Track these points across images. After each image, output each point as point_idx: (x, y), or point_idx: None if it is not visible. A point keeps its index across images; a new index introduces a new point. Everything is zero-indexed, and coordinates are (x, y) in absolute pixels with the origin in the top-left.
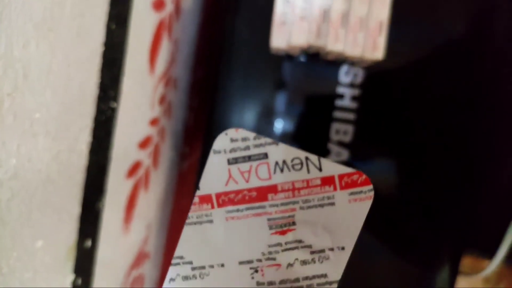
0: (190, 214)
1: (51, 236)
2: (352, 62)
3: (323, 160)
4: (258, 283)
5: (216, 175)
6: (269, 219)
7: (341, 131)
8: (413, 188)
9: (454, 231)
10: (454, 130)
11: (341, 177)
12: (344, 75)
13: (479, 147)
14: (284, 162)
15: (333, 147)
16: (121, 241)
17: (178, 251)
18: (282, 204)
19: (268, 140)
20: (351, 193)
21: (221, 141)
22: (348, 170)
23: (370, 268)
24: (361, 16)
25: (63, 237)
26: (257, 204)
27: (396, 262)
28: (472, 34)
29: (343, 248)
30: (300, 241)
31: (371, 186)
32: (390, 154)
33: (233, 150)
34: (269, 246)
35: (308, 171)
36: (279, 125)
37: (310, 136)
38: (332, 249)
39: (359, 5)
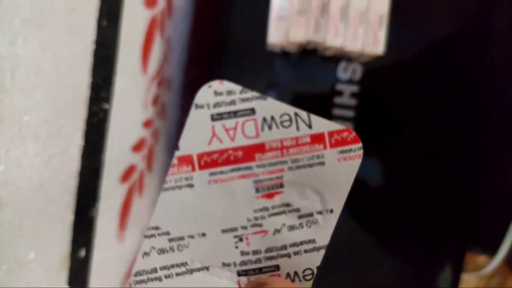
0: (167, 178)
1: (44, 246)
2: (350, 58)
3: (312, 116)
4: (242, 253)
5: (198, 133)
6: (255, 181)
7: None
8: (414, 186)
9: (457, 229)
10: (455, 127)
11: (331, 134)
12: (343, 71)
13: (481, 143)
14: (272, 118)
15: None
16: (116, 249)
17: (153, 221)
18: (270, 165)
19: (255, 94)
20: (341, 151)
21: (204, 95)
22: (338, 126)
23: (373, 267)
24: (361, 10)
25: (56, 247)
26: (243, 165)
27: (399, 261)
28: (473, 30)
29: (331, 211)
30: (287, 205)
31: (360, 145)
32: (391, 151)
33: (217, 104)
34: (255, 211)
35: (298, 128)
36: None
37: None
38: (320, 213)
39: None
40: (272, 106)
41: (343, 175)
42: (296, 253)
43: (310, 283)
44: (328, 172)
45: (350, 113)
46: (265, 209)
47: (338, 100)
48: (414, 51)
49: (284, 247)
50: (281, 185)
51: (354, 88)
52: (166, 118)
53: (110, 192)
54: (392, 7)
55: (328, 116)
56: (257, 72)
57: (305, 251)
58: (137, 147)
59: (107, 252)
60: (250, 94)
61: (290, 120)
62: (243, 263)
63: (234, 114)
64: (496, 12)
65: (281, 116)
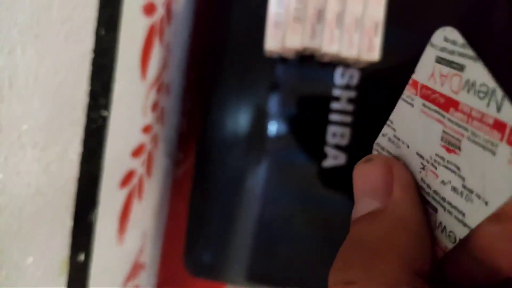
0: (405, 90)
1: (43, 251)
2: (347, 64)
3: (506, 101)
4: (421, 180)
5: (426, 67)
6: (443, 131)
7: (338, 134)
8: None
9: None
10: None
11: None
12: (340, 77)
13: None
14: (473, 83)
15: (330, 151)
16: (115, 253)
17: (392, 116)
18: (456, 124)
19: (471, 53)
20: None
21: (438, 36)
22: None
23: None
24: (356, 16)
25: (55, 252)
26: (441, 111)
27: None
28: (471, 35)
29: (486, 204)
30: (458, 168)
31: None
32: None
33: (442, 49)
34: (436, 155)
35: (488, 104)
36: (275, 129)
37: (306, 139)
38: (478, 196)
39: (354, 4)
40: (478, 72)
41: (506, 179)
42: (449, 212)
43: (450, 244)
44: (495, 167)
45: (347, 119)
46: (442, 158)
47: (335, 105)
48: (410, 56)
49: (443, 199)
50: (459, 148)
51: (352, 94)
52: (166, 123)
53: (110, 197)
54: (387, 13)
55: (326, 121)
56: (256, 77)
57: (455, 218)
58: (136, 152)
59: (106, 256)
60: (467, 51)
61: (486, 93)
62: (421, 187)
63: (450, 63)
64: (494, 16)
65: (481, 85)
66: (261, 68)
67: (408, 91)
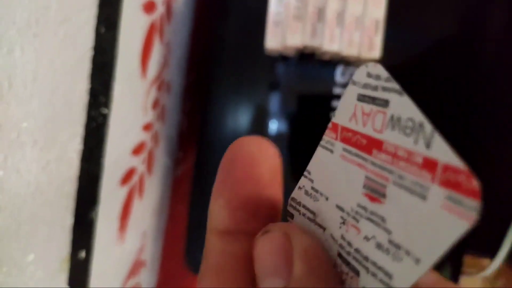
0: (324, 136)
1: (43, 249)
2: (348, 62)
3: (436, 136)
4: (341, 237)
5: (347, 107)
6: (366, 177)
7: None
8: None
9: None
10: (452, 130)
11: (445, 168)
12: (341, 75)
13: (479, 145)
14: (398, 119)
15: None
16: (116, 251)
17: (309, 166)
18: (380, 167)
19: (396, 87)
20: (448, 197)
21: (361, 73)
22: (458, 163)
23: None
24: (356, 15)
25: (56, 250)
26: (362, 154)
27: None
28: (470, 33)
29: (417, 261)
30: (383, 220)
31: (475, 204)
32: None
33: (365, 86)
34: (358, 205)
35: (416, 141)
36: (275, 127)
37: (307, 138)
38: (408, 253)
39: (354, 3)
40: (403, 105)
41: (441, 229)
42: (374, 275)
43: None
44: (426, 212)
45: None
46: (365, 209)
47: (336, 103)
48: (410, 55)
49: (366, 259)
50: (383, 195)
51: None
52: (166, 121)
53: (110, 195)
54: (388, 11)
55: (327, 119)
56: (257, 76)
57: (381, 281)
58: (137, 151)
59: (107, 254)
60: (392, 84)
61: (412, 129)
62: (341, 246)
63: (372, 100)
64: (492, 16)
65: (407, 120)
66: (262, 66)
67: (327, 136)
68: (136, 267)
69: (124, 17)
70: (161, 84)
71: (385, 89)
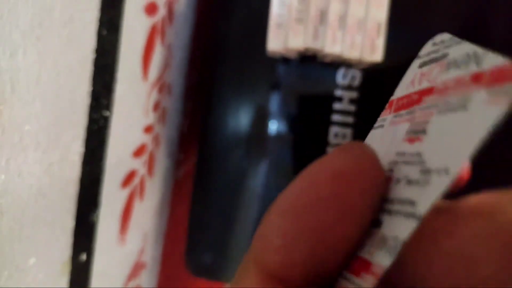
0: (378, 120)
1: (44, 252)
2: (350, 64)
3: (487, 52)
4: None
5: (406, 80)
6: (410, 125)
7: (340, 134)
8: None
9: None
10: None
11: (492, 72)
12: (342, 77)
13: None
14: (455, 60)
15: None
16: (117, 253)
17: (367, 140)
18: (426, 108)
19: (457, 39)
20: (488, 92)
21: (427, 46)
22: (504, 62)
23: None
24: (358, 18)
25: (57, 253)
26: (411, 109)
27: None
28: (472, 35)
29: (446, 172)
30: (419, 155)
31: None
32: None
33: (428, 53)
34: (396, 154)
35: (467, 67)
36: (277, 129)
37: (308, 140)
38: (438, 172)
39: (356, 6)
40: (461, 48)
41: (475, 122)
42: (397, 213)
43: (388, 260)
44: (465, 118)
45: (349, 119)
46: (402, 154)
47: (337, 106)
48: (413, 58)
49: (392, 202)
50: (424, 132)
51: (354, 94)
52: (167, 123)
53: (111, 197)
54: (390, 14)
55: (328, 122)
56: (258, 78)
57: (404, 215)
58: (138, 153)
59: (108, 256)
60: (453, 40)
61: (467, 61)
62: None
63: (433, 60)
64: (495, 19)
65: (462, 56)
66: (263, 68)
67: (380, 118)
68: (137, 269)
69: (126, 19)
70: (162, 86)
71: (446, 46)
